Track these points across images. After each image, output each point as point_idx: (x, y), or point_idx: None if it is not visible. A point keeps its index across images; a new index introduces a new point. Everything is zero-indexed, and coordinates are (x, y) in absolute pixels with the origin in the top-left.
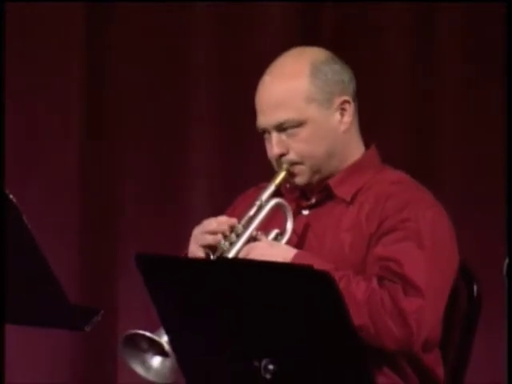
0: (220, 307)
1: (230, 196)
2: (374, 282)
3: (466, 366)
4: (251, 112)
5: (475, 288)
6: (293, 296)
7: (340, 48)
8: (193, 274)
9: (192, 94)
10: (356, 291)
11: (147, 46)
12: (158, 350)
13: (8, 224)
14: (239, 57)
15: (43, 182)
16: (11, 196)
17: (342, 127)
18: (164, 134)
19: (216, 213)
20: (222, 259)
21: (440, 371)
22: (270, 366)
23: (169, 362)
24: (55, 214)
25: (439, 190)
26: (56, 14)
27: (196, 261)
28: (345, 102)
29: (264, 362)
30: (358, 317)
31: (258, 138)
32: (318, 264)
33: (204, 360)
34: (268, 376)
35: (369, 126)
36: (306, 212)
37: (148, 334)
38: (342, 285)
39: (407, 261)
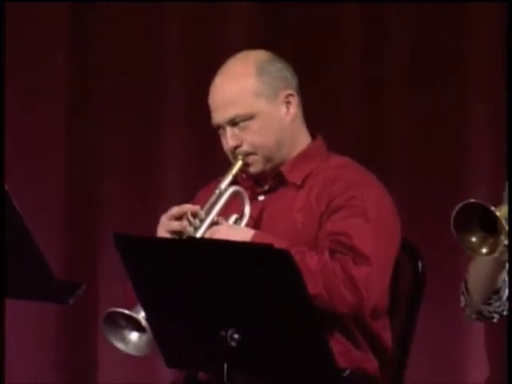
0: (190, 283)
1: (199, 184)
2: (326, 254)
3: (412, 334)
4: None
5: (420, 264)
6: (255, 271)
7: (300, 48)
8: (165, 253)
9: (166, 89)
10: (310, 263)
11: (126, 43)
12: (136, 325)
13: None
14: (209, 54)
15: (32, 167)
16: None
17: (288, 118)
18: (141, 125)
19: (185, 198)
20: (192, 239)
21: (387, 337)
22: (236, 335)
23: (145, 336)
24: (42, 199)
25: (387, 175)
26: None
27: (168, 241)
28: (289, 95)
29: (230, 332)
30: (314, 286)
31: None
32: (275, 242)
33: (176, 330)
34: (234, 344)
35: (320, 123)
36: (261, 198)
37: (126, 311)
38: (297, 258)
39: (355, 234)
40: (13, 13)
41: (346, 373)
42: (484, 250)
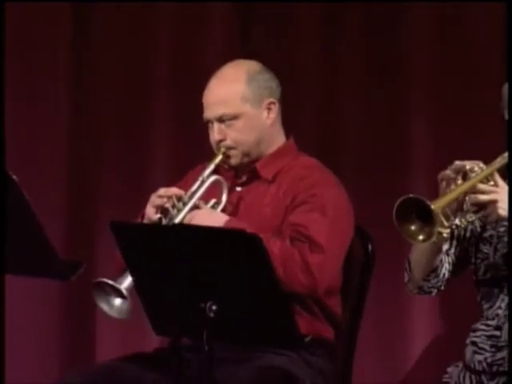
0: (175, 262)
1: (183, 172)
2: (287, 241)
3: (363, 305)
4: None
5: (370, 246)
6: (230, 252)
7: (264, 47)
8: (154, 237)
9: (155, 90)
10: (273, 248)
11: (119, 45)
12: (119, 293)
13: (9, 195)
14: (194, 54)
15: (37, 165)
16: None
17: (268, 122)
18: (133, 124)
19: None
20: (178, 225)
21: (338, 311)
22: (213, 307)
23: (126, 303)
24: (46, 188)
25: (341, 169)
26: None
27: (156, 226)
28: (271, 103)
29: (208, 304)
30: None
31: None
32: (245, 227)
33: (163, 303)
34: (212, 315)
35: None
36: (238, 188)
37: (110, 281)
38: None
39: (312, 225)
40: (13, 13)
41: (308, 338)
42: (421, 237)
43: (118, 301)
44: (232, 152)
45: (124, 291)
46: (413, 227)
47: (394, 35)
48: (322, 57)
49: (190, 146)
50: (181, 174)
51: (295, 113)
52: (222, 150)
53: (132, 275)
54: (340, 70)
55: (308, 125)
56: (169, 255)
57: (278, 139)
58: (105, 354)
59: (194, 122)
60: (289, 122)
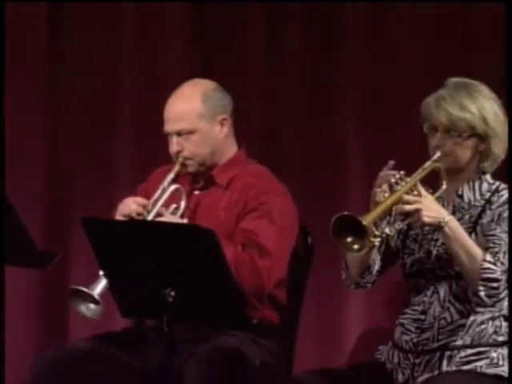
0: (139, 253)
1: (147, 172)
2: (239, 247)
3: (304, 291)
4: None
5: (309, 241)
6: (189, 245)
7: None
8: (121, 231)
9: (117, 90)
10: (226, 253)
11: (88, 42)
12: (93, 299)
13: None
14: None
15: (16, 161)
16: None
17: (221, 135)
18: (99, 125)
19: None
20: (142, 221)
21: (283, 300)
22: (172, 293)
23: (99, 307)
24: (25, 187)
25: (286, 170)
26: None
27: (122, 222)
28: (224, 119)
29: (167, 290)
30: None
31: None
32: None
33: (129, 289)
34: (170, 299)
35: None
36: (196, 192)
37: (84, 289)
38: None
39: (261, 232)
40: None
41: (255, 321)
42: (355, 247)
43: (92, 304)
44: (189, 162)
45: (97, 297)
46: (348, 240)
47: (332, 54)
48: (263, 66)
49: (152, 148)
50: (144, 175)
51: (243, 114)
52: (180, 160)
53: (101, 266)
54: (280, 83)
55: (252, 132)
56: (133, 247)
57: (231, 149)
58: (77, 333)
59: (158, 126)
60: (235, 128)
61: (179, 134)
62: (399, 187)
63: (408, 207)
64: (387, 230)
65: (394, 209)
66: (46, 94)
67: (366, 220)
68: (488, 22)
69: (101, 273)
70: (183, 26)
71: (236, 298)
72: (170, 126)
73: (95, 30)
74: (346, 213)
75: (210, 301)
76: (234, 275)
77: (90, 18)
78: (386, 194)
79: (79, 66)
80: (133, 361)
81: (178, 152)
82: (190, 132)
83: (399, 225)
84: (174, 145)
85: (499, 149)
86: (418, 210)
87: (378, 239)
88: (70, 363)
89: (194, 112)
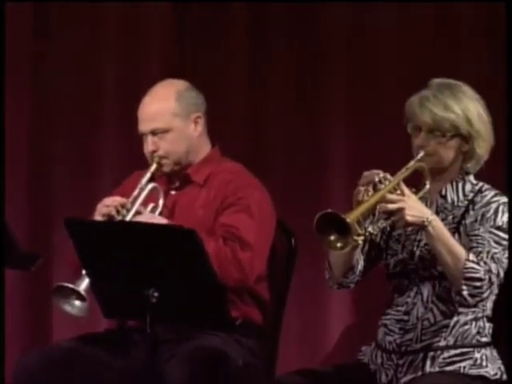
0: (122, 254)
1: (128, 173)
2: (220, 241)
3: (287, 292)
4: None
5: (292, 241)
6: (170, 245)
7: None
8: (103, 232)
9: (102, 94)
10: (208, 248)
11: (72, 45)
12: (78, 295)
13: None
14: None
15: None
16: None
17: (195, 134)
18: (83, 125)
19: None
20: (124, 222)
21: (266, 296)
22: (155, 294)
23: (85, 303)
24: (8, 187)
25: (270, 170)
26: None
27: (105, 223)
28: (198, 117)
29: (151, 291)
30: None
31: None
32: None
33: (112, 290)
34: (154, 300)
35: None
36: (173, 192)
37: (70, 285)
38: None
39: (241, 226)
40: None
41: (238, 321)
42: (339, 245)
43: (77, 302)
44: (164, 161)
45: (83, 293)
46: (331, 238)
47: (316, 55)
48: (247, 69)
49: (135, 147)
50: (127, 175)
51: (225, 113)
52: (156, 159)
53: (84, 266)
54: (263, 83)
55: (237, 132)
56: (116, 248)
57: (205, 148)
58: (60, 333)
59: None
60: (218, 127)
61: (154, 133)
62: (382, 186)
63: (391, 206)
64: (370, 229)
65: (377, 208)
66: (29, 93)
67: (350, 218)
68: (471, 22)
69: (84, 272)
70: (165, 25)
71: (219, 299)
72: (144, 126)
73: (78, 29)
74: (329, 210)
75: (193, 301)
76: (217, 269)
77: (73, 17)
78: (370, 193)
79: (62, 65)
80: (115, 361)
81: (153, 152)
82: (165, 131)
83: (382, 224)
84: (149, 145)
85: (483, 149)
86: (401, 209)
87: (362, 238)
88: (52, 364)
89: (169, 111)
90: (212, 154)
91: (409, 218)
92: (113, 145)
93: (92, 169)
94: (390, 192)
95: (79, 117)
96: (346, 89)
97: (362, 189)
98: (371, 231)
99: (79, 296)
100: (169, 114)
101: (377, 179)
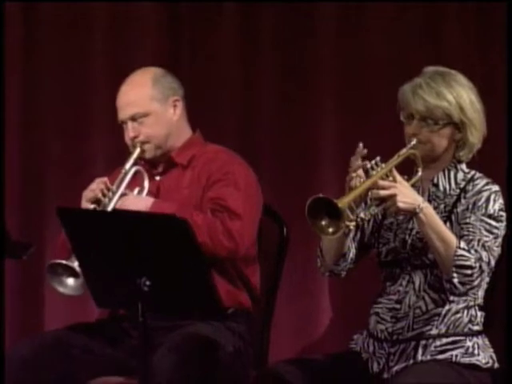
0: (113, 243)
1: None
2: (209, 213)
3: (279, 281)
4: None
5: (284, 229)
6: (162, 234)
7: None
8: (95, 221)
9: (94, 94)
10: (197, 219)
11: (62, 46)
12: (71, 272)
13: None
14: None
15: None
16: None
17: (175, 117)
18: (74, 124)
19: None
20: (116, 211)
21: (256, 280)
22: (147, 282)
23: (79, 280)
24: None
25: (261, 158)
26: None
27: (98, 212)
28: (176, 100)
29: (143, 280)
30: (201, 236)
31: None
32: (170, 205)
33: (104, 279)
34: (146, 289)
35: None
36: (157, 178)
37: (63, 261)
38: (187, 216)
39: (229, 198)
40: None
41: (230, 310)
42: (330, 231)
43: (71, 279)
44: (146, 146)
45: (76, 268)
46: (323, 222)
47: (306, 47)
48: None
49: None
50: (119, 164)
51: (217, 112)
52: (138, 145)
53: (76, 255)
54: (257, 77)
55: (230, 125)
56: (108, 237)
57: (185, 133)
58: (52, 323)
59: None
60: (212, 121)
61: (133, 118)
62: (374, 172)
63: (383, 192)
64: (362, 215)
65: (369, 194)
66: (20, 87)
67: (342, 202)
68: (458, 21)
69: None
70: (157, 18)
71: (211, 287)
72: (123, 113)
73: (68, 26)
74: (321, 195)
75: (185, 290)
76: (208, 240)
77: (62, 13)
78: (362, 180)
79: (53, 61)
80: (106, 349)
81: (135, 137)
82: (144, 115)
83: (374, 210)
84: (130, 131)
85: (475, 138)
86: (393, 196)
87: (353, 223)
88: (44, 352)
89: (146, 96)
90: (194, 138)
91: (401, 205)
92: (105, 136)
93: (84, 159)
94: (382, 178)
95: (71, 109)
96: (336, 80)
97: (354, 175)
98: (363, 217)
99: (73, 273)
100: (146, 98)
101: (369, 165)
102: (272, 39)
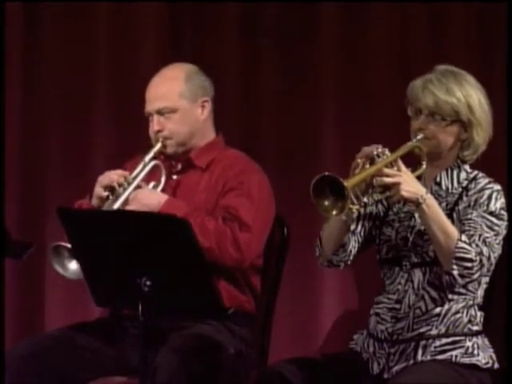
0: (114, 242)
1: (120, 161)
2: (220, 220)
3: (279, 281)
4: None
5: (285, 230)
6: (163, 234)
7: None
8: (96, 221)
9: (96, 90)
10: (208, 224)
11: (64, 44)
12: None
13: None
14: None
15: None
16: None
17: (202, 118)
18: (75, 122)
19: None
20: (117, 210)
21: (257, 283)
22: (148, 282)
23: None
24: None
25: (262, 160)
26: None
27: (98, 212)
28: (205, 101)
29: (143, 280)
30: (209, 242)
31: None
32: (182, 206)
33: (104, 278)
34: (146, 289)
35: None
36: (175, 176)
37: (68, 244)
38: (198, 220)
39: (241, 208)
40: None
41: (231, 310)
42: (334, 212)
43: (73, 263)
44: (168, 142)
45: None
46: (327, 202)
47: (307, 46)
48: (242, 60)
49: (127, 139)
50: (118, 162)
51: (219, 111)
52: (160, 139)
53: (77, 255)
54: (258, 77)
55: (230, 125)
56: (108, 237)
57: (209, 134)
58: (52, 323)
59: (132, 116)
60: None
61: (160, 112)
62: (380, 160)
63: (387, 180)
64: (365, 199)
65: (373, 182)
66: (20, 87)
67: (348, 182)
68: (461, 22)
69: None
70: (159, 13)
71: (212, 288)
72: (151, 106)
73: (71, 18)
74: (327, 173)
75: (186, 291)
76: (216, 247)
77: (63, 14)
78: (367, 166)
79: (53, 61)
80: (107, 349)
81: (158, 131)
82: (171, 111)
83: (377, 196)
84: (155, 124)
85: (481, 138)
86: (397, 184)
87: (356, 207)
88: (44, 352)
89: (176, 91)
90: (216, 140)
91: (404, 193)
92: (105, 131)
93: (84, 159)
94: (387, 167)
95: (71, 104)
96: (339, 78)
97: (359, 161)
98: (366, 201)
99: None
100: (176, 93)
101: (375, 153)
102: (273, 39)
